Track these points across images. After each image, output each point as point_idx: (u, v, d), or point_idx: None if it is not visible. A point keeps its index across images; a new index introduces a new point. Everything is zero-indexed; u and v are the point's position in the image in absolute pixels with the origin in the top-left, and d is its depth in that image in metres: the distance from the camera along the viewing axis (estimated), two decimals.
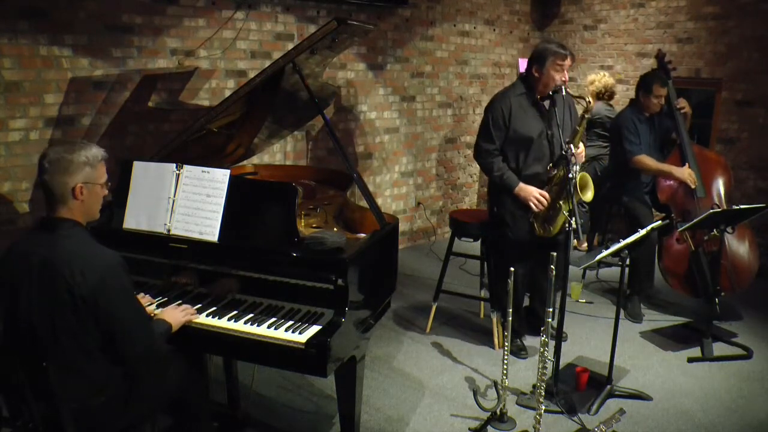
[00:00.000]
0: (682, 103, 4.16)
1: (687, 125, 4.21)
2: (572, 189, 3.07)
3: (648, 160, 4.10)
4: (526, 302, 3.88)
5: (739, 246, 4.09)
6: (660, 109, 4.19)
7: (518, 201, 3.39)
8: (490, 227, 3.68)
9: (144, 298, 2.35)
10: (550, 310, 2.84)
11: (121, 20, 3.74)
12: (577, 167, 3.10)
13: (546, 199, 3.31)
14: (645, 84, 4.15)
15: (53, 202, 1.94)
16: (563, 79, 3.27)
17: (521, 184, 3.36)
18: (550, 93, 3.32)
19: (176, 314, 2.22)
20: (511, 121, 3.34)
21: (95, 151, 1.97)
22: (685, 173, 4.04)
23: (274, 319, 2.29)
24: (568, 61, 3.27)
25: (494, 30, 6.19)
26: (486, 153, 3.42)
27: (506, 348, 2.97)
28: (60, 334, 1.88)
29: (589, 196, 3.23)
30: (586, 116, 3.27)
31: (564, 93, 3.26)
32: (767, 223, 4.91)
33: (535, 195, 3.33)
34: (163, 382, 2.17)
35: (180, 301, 2.40)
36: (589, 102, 3.25)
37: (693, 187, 4.05)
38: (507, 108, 3.35)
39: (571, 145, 3.10)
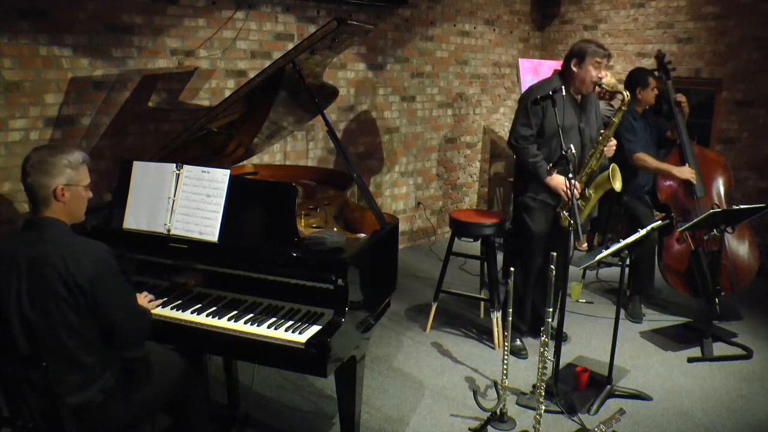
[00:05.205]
0: (681, 97, 4.18)
1: (684, 123, 4.22)
2: (572, 188, 3.08)
3: (648, 159, 4.12)
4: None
5: (739, 246, 4.09)
6: (656, 102, 4.24)
7: (548, 190, 3.46)
8: (512, 219, 3.77)
9: (146, 297, 2.36)
10: (550, 310, 2.85)
11: (121, 20, 3.74)
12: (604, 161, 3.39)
13: (576, 189, 3.35)
14: (640, 80, 4.21)
15: (37, 204, 1.97)
16: (600, 75, 3.40)
17: (553, 174, 3.43)
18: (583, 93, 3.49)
19: (143, 301, 2.31)
20: (547, 109, 3.40)
21: (77, 155, 2.01)
22: (686, 172, 4.05)
23: (274, 319, 2.29)
24: (606, 60, 3.42)
25: (494, 30, 6.19)
26: (522, 138, 3.48)
27: (506, 348, 2.98)
28: (58, 328, 1.88)
29: (618, 186, 3.37)
30: (624, 108, 3.38)
31: (594, 93, 3.51)
32: (767, 223, 4.91)
33: (566, 184, 3.35)
34: (163, 382, 2.17)
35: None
36: (627, 95, 3.36)
37: (693, 182, 4.05)
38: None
39: (572, 146, 3.13)
